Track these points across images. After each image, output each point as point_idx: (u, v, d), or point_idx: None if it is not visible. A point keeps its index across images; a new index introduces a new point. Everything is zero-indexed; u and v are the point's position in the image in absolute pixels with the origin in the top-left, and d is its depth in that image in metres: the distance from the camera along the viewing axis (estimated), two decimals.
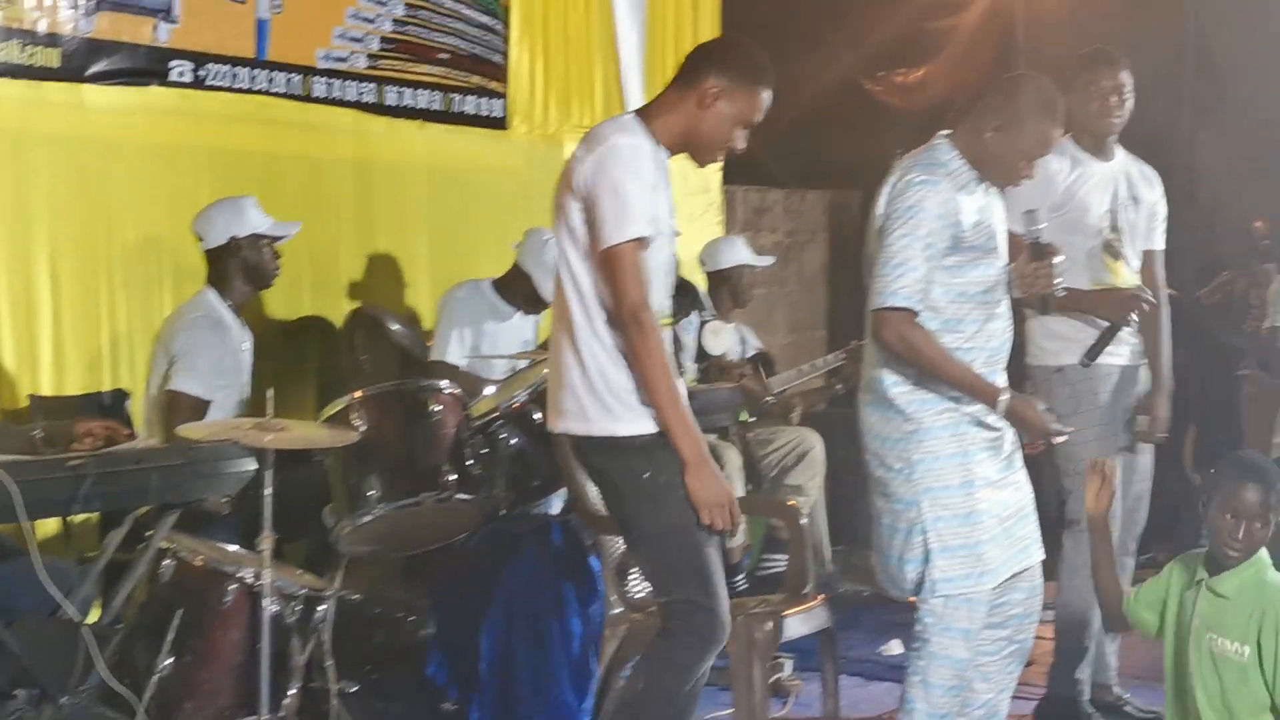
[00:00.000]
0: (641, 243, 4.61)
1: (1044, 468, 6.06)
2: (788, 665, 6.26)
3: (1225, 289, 12.65)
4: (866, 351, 5.26)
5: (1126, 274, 6.20)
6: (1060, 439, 5.24)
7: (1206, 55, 15.82)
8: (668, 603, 4.76)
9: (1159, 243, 6.32)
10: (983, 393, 5.06)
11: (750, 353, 8.51)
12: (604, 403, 4.68)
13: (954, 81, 11.94)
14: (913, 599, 5.20)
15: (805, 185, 11.81)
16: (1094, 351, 6.01)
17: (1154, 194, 6.31)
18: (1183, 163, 15.46)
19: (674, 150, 4.82)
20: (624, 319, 4.60)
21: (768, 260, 9.01)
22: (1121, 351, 6.14)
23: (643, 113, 4.85)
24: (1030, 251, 5.34)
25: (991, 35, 12.64)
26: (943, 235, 5.02)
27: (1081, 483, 5.93)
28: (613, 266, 4.60)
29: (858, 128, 11.68)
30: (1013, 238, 5.34)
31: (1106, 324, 6.06)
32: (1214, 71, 15.79)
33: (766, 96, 4.80)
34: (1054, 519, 6.20)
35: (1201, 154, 15.55)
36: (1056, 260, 5.28)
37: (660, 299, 4.76)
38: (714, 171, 9.93)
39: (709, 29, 9.68)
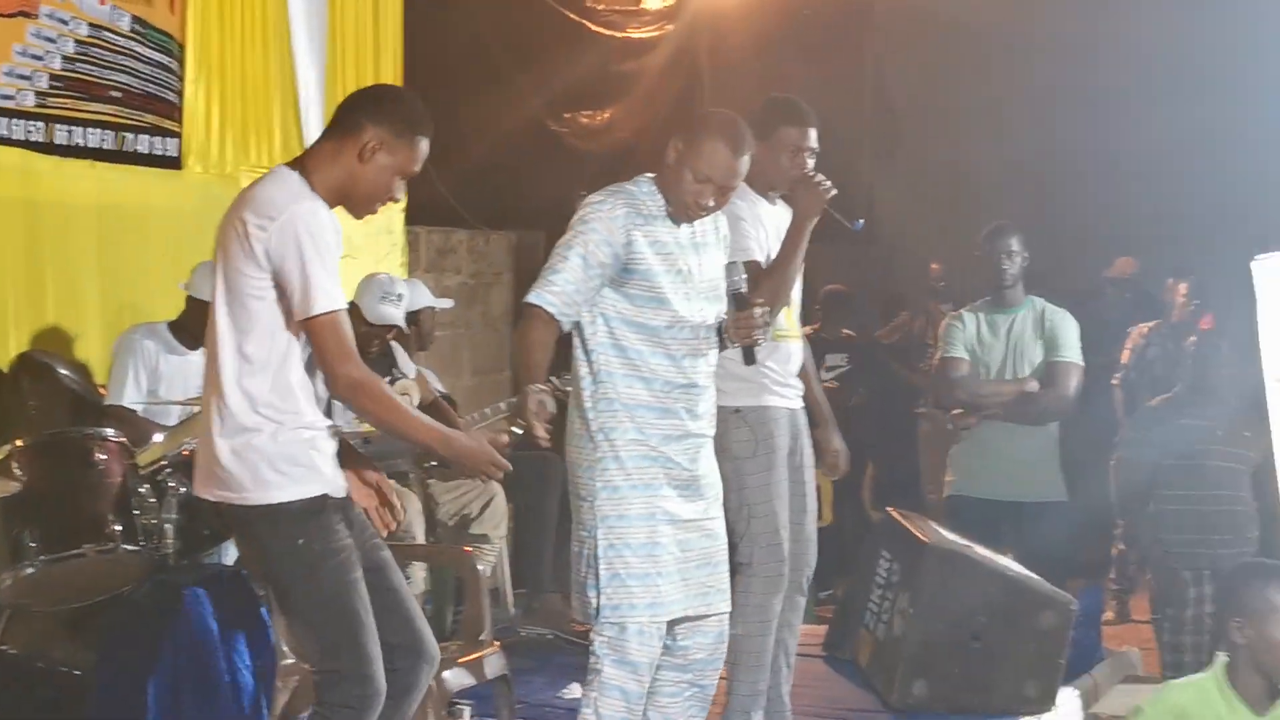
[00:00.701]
0: (340, 312, 4.51)
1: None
2: (466, 712, 6.21)
3: (903, 329, 12.97)
4: (572, 381, 5.30)
5: (795, 318, 6.28)
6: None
7: (885, 100, 16.26)
8: (318, 674, 4.65)
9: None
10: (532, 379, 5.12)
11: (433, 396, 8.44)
12: (254, 470, 4.53)
13: (639, 124, 12.08)
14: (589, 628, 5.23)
15: (490, 226, 11.80)
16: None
17: None
18: (862, 205, 15.84)
19: (332, 203, 4.67)
20: (341, 392, 4.51)
21: (448, 303, 8.98)
22: (791, 395, 6.21)
23: (300, 166, 4.68)
24: (734, 303, 5.41)
25: (677, 79, 12.83)
26: (604, 253, 5.10)
27: (751, 527, 6.00)
28: (317, 340, 4.49)
29: (543, 169, 11.73)
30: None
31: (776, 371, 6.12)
32: (892, 116, 16.23)
33: (424, 146, 4.70)
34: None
35: (880, 196, 15.95)
36: (759, 312, 5.36)
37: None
38: (397, 212, 9.86)
39: (390, 69, 9.62)
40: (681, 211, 5.24)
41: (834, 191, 5.91)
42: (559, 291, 5.10)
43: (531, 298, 5.13)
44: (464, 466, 4.66)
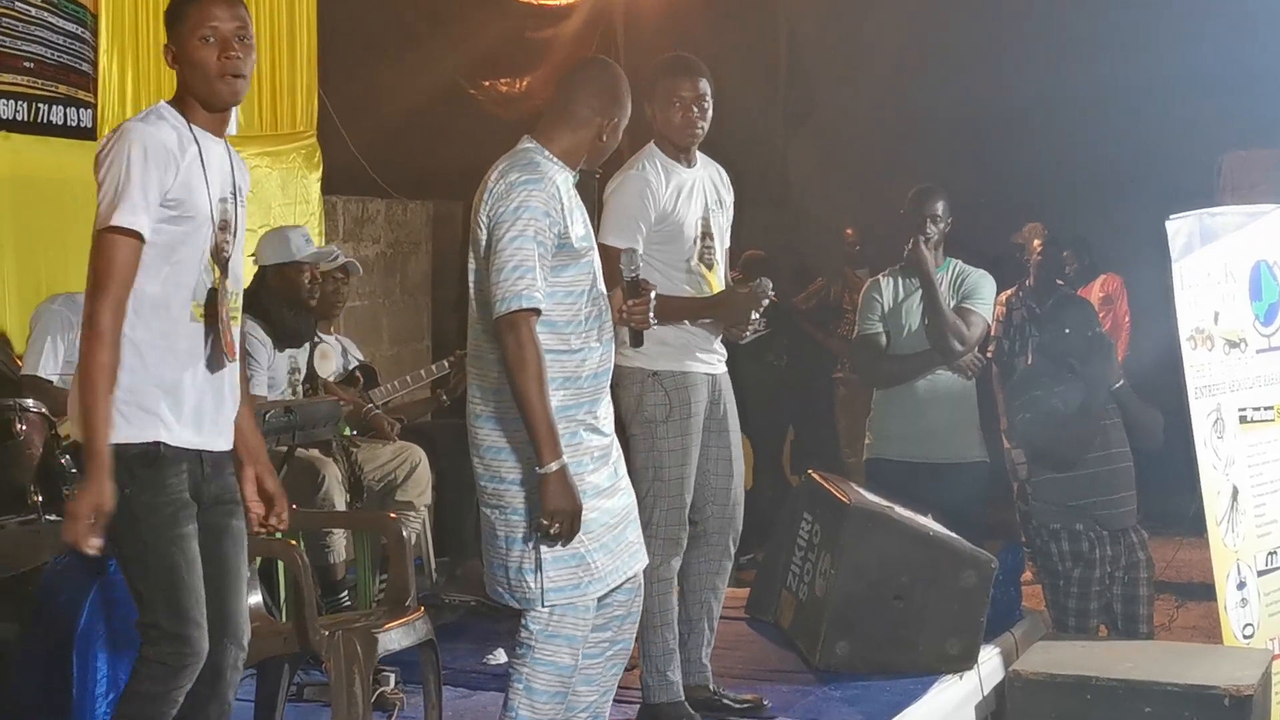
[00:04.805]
0: (128, 232, 4.39)
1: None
2: (392, 678, 6.22)
3: (820, 294, 13.01)
4: (478, 361, 5.20)
5: (719, 281, 6.31)
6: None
7: (799, 67, 16.31)
8: (140, 626, 4.57)
9: (729, 240, 6.47)
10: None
11: (352, 364, 8.42)
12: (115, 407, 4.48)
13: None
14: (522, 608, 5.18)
15: (408, 195, 11.76)
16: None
17: (731, 195, 6.45)
18: (776, 170, 15.91)
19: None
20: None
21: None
22: (714, 360, 6.24)
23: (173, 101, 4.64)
24: (627, 289, 5.41)
25: (592, 45, 12.79)
26: (550, 234, 5.03)
27: (655, 489, 6.02)
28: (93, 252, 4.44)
29: (461, 137, 11.67)
30: (609, 266, 5.44)
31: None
32: (806, 82, 16.27)
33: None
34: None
35: (795, 162, 15.99)
36: (652, 296, 5.38)
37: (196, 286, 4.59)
38: (314, 181, 9.80)
39: (305, 34, 9.55)
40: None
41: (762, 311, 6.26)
42: (535, 289, 4.97)
43: (524, 303, 4.95)
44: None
